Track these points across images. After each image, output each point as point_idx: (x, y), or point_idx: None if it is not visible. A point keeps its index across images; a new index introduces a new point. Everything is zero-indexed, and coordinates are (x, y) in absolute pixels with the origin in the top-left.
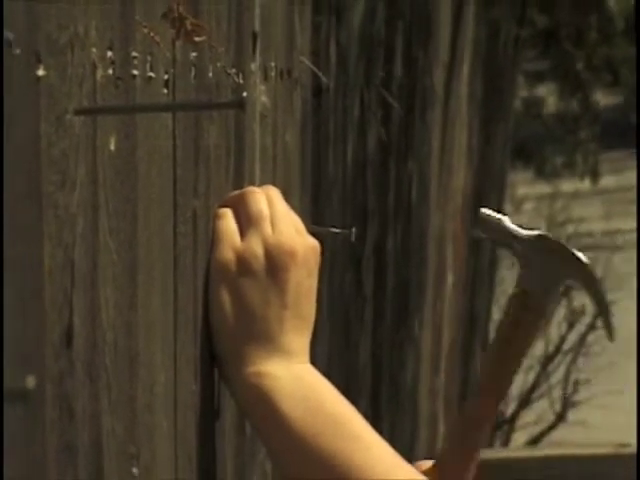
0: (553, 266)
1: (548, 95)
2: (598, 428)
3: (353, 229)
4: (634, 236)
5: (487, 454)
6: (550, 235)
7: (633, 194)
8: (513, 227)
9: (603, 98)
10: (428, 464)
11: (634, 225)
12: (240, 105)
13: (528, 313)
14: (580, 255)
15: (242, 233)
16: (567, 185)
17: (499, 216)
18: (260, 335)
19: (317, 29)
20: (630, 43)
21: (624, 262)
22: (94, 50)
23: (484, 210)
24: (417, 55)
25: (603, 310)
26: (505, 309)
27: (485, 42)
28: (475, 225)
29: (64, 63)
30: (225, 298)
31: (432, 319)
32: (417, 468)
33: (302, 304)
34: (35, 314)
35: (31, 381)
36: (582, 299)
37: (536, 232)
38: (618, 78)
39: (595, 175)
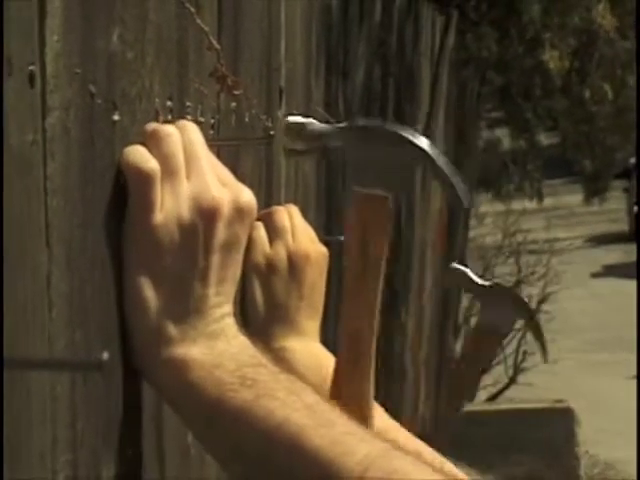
0: (504, 308)
1: (503, 137)
2: (541, 388)
3: None
4: (567, 242)
5: None
6: (501, 283)
7: (566, 211)
8: (474, 277)
9: (545, 139)
10: None
11: (568, 234)
12: (268, 141)
13: (484, 342)
14: (525, 299)
15: (270, 241)
16: (517, 204)
17: (463, 268)
18: (282, 319)
19: (329, 86)
20: (566, 97)
21: (560, 263)
22: (157, 100)
23: (453, 264)
24: (404, 105)
25: (540, 341)
26: (467, 339)
27: (455, 96)
28: (444, 275)
29: (134, 110)
30: (257, 291)
31: (416, 306)
32: None
33: (315, 296)
34: (110, 305)
35: (106, 355)
36: (528, 291)
37: (489, 282)
38: (557, 124)
39: (539, 197)
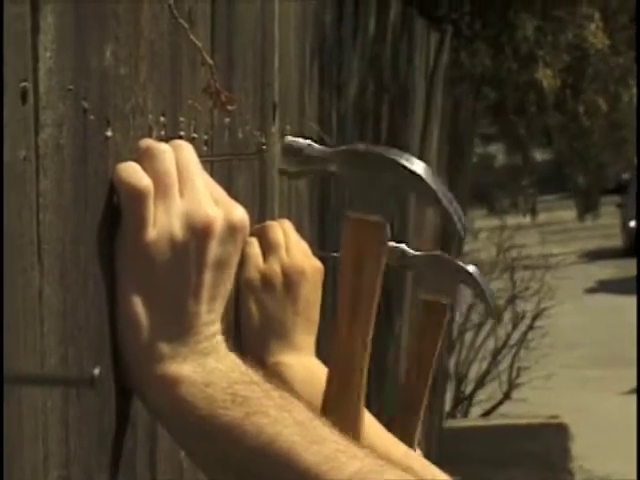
0: (447, 277)
1: (498, 152)
2: (535, 404)
3: None
4: (561, 258)
5: (452, 424)
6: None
7: (561, 227)
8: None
9: (539, 155)
10: None
11: (562, 250)
12: (259, 156)
13: (433, 312)
14: (466, 267)
15: (264, 257)
16: (512, 220)
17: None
18: (278, 334)
19: (322, 101)
20: (560, 113)
21: (555, 278)
22: (150, 116)
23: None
24: (398, 121)
25: (483, 297)
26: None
27: (450, 112)
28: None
29: (127, 126)
30: (252, 306)
31: (409, 320)
32: None
33: (310, 311)
34: (103, 321)
35: (97, 370)
36: (522, 306)
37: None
38: (551, 140)
39: (533, 212)
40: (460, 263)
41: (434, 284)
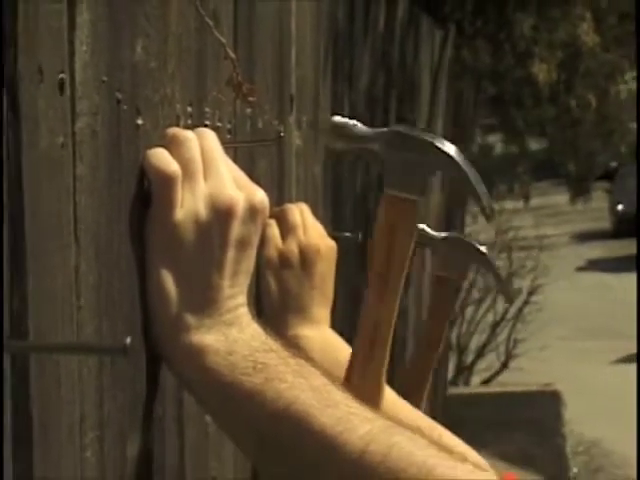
0: (459, 256)
1: (496, 142)
2: (530, 373)
3: (360, 233)
4: (554, 239)
5: (454, 391)
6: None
7: (553, 210)
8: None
9: (534, 144)
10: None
11: (555, 231)
12: (277, 142)
13: (444, 291)
14: (478, 246)
15: (283, 237)
16: (509, 204)
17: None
18: (296, 308)
19: (335, 93)
20: (554, 105)
21: (549, 257)
22: (178, 106)
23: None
24: (405, 112)
25: (498, 281)
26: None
27: (453, 104)
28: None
29: (156, 115)
30: (271, 283)
31: (415, 298)
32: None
33: (325, 286)
34: (134, 295)
35: (129, 340)
36: (519, 283)
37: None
38: (545, 131)
39: (528, 197)
40: (476, 244)
41: (448, 262)
